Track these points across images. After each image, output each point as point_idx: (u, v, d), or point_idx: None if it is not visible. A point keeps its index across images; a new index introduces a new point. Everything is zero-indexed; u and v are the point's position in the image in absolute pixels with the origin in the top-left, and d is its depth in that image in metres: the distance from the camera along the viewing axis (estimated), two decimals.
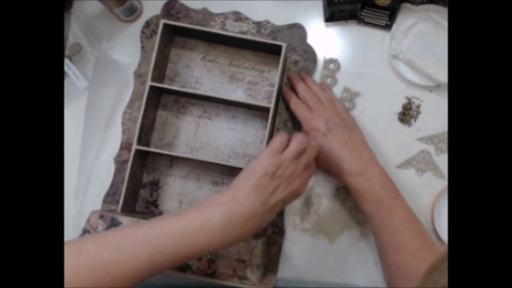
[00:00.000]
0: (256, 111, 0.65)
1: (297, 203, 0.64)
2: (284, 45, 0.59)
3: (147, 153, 0.64)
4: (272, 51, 0.64)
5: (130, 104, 0.66)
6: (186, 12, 0.66)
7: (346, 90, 0.66)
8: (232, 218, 0.44)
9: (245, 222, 0.45)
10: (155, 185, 0.65)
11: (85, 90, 0.66)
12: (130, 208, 0.62)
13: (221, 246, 0.44)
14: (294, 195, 0.51)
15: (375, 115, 0.65)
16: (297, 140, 0.50)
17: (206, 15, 0.66)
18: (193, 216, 0.44)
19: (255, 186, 0.46)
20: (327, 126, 0.57)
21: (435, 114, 0.65)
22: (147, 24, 0.67)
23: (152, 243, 0.41)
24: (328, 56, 0.66)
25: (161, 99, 0.66)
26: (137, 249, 0.41)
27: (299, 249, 0.64)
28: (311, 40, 0.66)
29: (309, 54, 0.66)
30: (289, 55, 0.66)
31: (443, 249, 0.60)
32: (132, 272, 0.40)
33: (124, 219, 0.55)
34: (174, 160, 0.65)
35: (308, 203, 0.64)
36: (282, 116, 0.65)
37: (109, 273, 0.39)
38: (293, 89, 0.63)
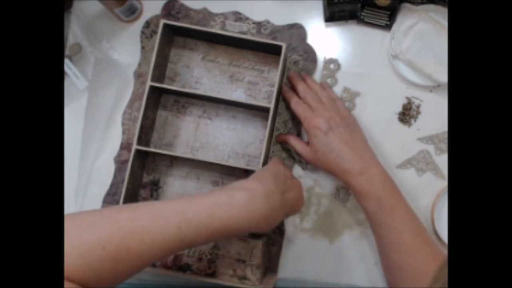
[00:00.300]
0: (256, 111, 0.65)
1: None
2: (284, 45, 0.59)
3: (147, 153, 0.64)
4: (272, 51, 0.64)
5: (130, 104, 0.66)
6: (186, 12, 0.66)
7: (346, 90, 0.66)
8: (255, 196, 0.46)
9: (267, 201, 0.47)
10: (155, 185, 0.65)
11: (85, 90, 0.66)
12: None
13: (246, 224, 0.45)
14: (299, 201, 0.55)
15: (375, 115, 0.65)
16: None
17: (206, 15, 0.66)
18: (219, 194, 0.45)
19: (273, 176, 0.50)
20: (328, 125, 0.57)
21: (435, 114, 0.65)
22: (147, 24, 0.67)
23: (181, 215, 0.43)
24: (328, 56, 0.66)
25: (161, 99, 0.66)
26: (168, 220, 0.42)
27: (299, 249, 0.64)
28: (311, 40, 0.66)
29: (309, 54, 0.66)
30: (289, 55, 0.66)
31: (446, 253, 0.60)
32: (163, 242, 0.41)
33: None
34: (174, 160, 0.65)
35: (308, 203, 0.64)
36: (282, 116, 0.65)
37: (142, 241, 0.40)
38: (293, 89, 0.63)
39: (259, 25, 0.66)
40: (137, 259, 0.41)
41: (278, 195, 0.49)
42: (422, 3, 0.65)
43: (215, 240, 0.56)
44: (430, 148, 0.65)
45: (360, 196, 0.56)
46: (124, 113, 0.66)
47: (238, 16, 0.66)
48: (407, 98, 0.65)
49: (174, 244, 0.42)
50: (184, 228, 0.42)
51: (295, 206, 0.54)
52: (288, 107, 0.64)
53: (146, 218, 0.42)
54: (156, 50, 0.60)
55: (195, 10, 0.67)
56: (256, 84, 0.65)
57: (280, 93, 0.64)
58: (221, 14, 0.67)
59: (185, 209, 0.43)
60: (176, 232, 0.42)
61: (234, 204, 0.45)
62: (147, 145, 0.64)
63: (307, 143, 0.60)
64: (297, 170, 0.65)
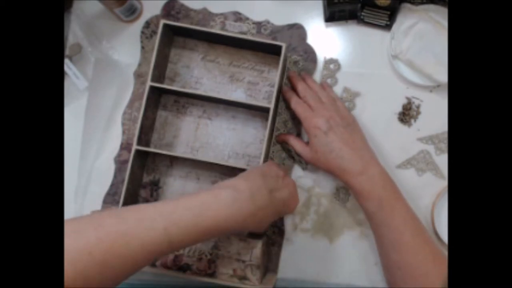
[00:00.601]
0: (256, 111, 0.65)
1: None
2: (284, 45, 0.59)
3: (147, 153, 0.64)
4: (272, 51, 0.64)
5: (130, 104, 0.66)
6: (186, 12, 0.66)
7: (346, 90, 0.66)
8: (241, 194, 0.46)
9: (252, 199, 0.47)
10: (155, 185, 0.65)
11: (85, 90, 0.66)
12: None
13: (233, 223, 0.45)
14: (292, 200, 0.54)
15: (375, 115, 0.65)
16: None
17: (206, 15, 0.66)
18: (205, 194, 0.46)
19: (261, 175, 0.50)
20: (328, 125, 0.57)
21: (435, 114, 0.65)
22: (147, 24, 0.67)
23: (167, 216, 0.42)
24: (328, 56, 0.66)
25: (161, 99, 0.66)
26: (153, 222, 0.42)
27: (299, 249, 0.64)
28: (311, 40, 0.66)
29: (309, 54, 0.66)
30: (289, 55, 0.66)
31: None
32: (150, 245, 0.41)
33: None
34: (174, 160, 0.65)
35: (308, 203, 0.64)
36: (282, 116, 0.65)
37: (128, 245, 0.40)
38: (293, 88, 0.63)
39: (259, 25, 0.66)
40: (125, 263, 0.40)
41: (265, 193, 0.49)
42: (422, 3, 0.65)
43: (204, 241, 0.56)
44: (430, 148, 0.65)
45: (360, 196, 0.56)
46: (124, 113, 0.66)
47: (238, 16, 0.66)
48: (407, 98, 0.66)
49: (162, 247, 0.42)
50: (171, 229, 0.42)
51: (287, 205, 0.54)
52: (288, 107, 0.64)
53: (131, 221, 0.41)
54: (156, 50, 0.60)
55: (195, 10, 0.67)
56: (256, 84, 0.65)
57: (280, 93, 0.64)
58: (221, 14, 0.67)
59: (171, 211, 0.43)
60: (163, 234, 0.42)
61: (220, 202, 0.45)
62: (147, 145, 0.64)
63: (307, 143, 0.60)
64: (297, 170, 0.65)
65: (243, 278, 0.56)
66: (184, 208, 0.43)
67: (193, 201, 0.44)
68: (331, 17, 0.66)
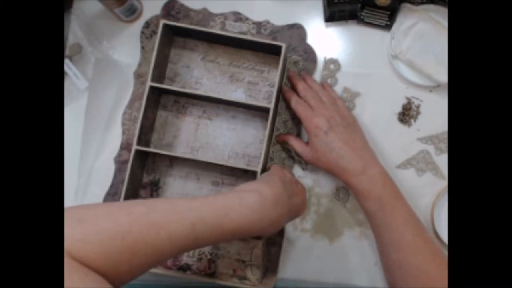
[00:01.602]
0: (256, 111, 0.65)
1: None
2: (284, 46, 0.59)
3: (147, 153, 0.64)
4: (272, 51, 0.64)
5: (130, 104, 0.66)
6: (186, 13, 0.66)
7: (346, 90, 0.66)
8: (265, 200, 0.46)
9: (275, 206, 0.46)
10: (155, 185, 0.65)
11: (85, 90, 0.66)
12: None
13: (256, 228, 0.45)
14: (303, 206, 0.55)
15: (375, 115, 0.65)
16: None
17: (206, 15, 0.66)
18: (232, 195, 0.45)
19: (281, 181, 0.50)
20: (328, 124, 0.57)
21: (435, 114, 0.65)
22: (147, 24, 0.67)
23: (196, 212, 0.42)
24: (328, 56, 0.66)
25: (161, 99, 0.66)
26: (183, 216, 0.42)
27: (299, 249, 0.64)
28: (311, 40, 0.66)
29: (309, 54, 0.66)
30: (289, 55, 0.66)
31: None
32: (177, 238, 0.41)
33: None
34: (174, 160, 0.65)
35: (308, 203, 0.64)
36: (282, 116, 0.65)
37: (158, 235, 0.40)
38: (293, 88, 0.63)
39: (259, 25, 0.66)
40: (153, 253, 0.40)
41: (286, 200, 0.49)
42: (422, 3, 0.65)
43: (224, 241, 0.56)
44: (430, 148, 0.65)
45: (360, 196, 0.56)
46: (124, 113, 0.66)
47: (238, 16, 0.66)
48: (407, 98, 0.66)
49: (187, 242, 0.42)
50: (197, 226, 0.42)
51: (298, 210, 0.54)
52: (288, 107, 0.64)
53: (161, 212, 0.41)
54: (156, 50, 0.60)
55: (195, 11, 0.67)
56: (256, 84, 0.65)
57: (280, 93, 0.64)
58: (221, 14, 0.67)
59: (199, 207, 0.43)
60: (190, 229, 0.41)
61: (246, 206, 0.44)
62: (147, 145, 0.64)
63: (307, 143, 0.60)
64: (297, 171, 0.65)
65: (243, 278, 0.56)
66: (212, 206, 0.43)
67: (220, 201, 0.44)
68: (331, 17, 0.66)
